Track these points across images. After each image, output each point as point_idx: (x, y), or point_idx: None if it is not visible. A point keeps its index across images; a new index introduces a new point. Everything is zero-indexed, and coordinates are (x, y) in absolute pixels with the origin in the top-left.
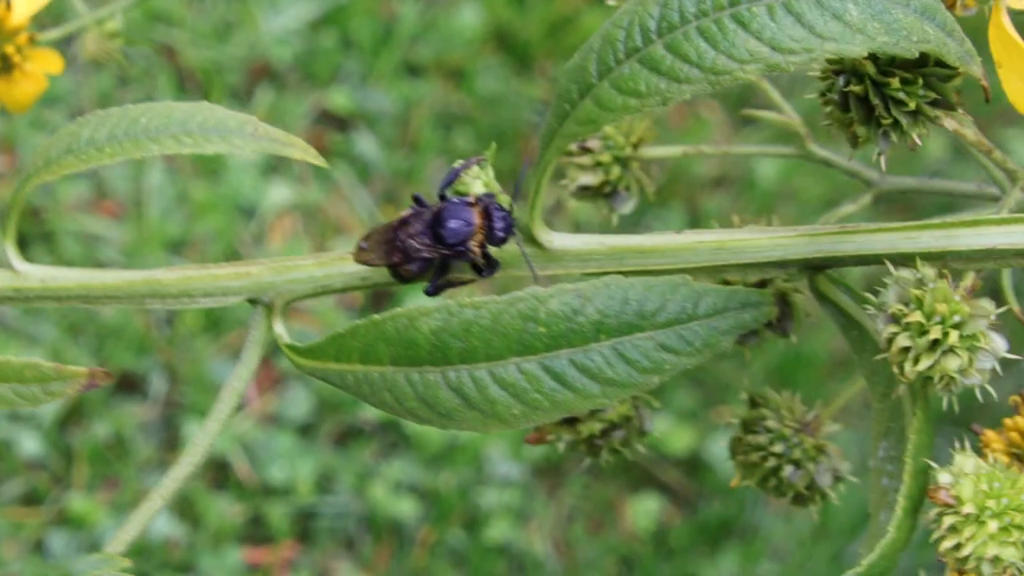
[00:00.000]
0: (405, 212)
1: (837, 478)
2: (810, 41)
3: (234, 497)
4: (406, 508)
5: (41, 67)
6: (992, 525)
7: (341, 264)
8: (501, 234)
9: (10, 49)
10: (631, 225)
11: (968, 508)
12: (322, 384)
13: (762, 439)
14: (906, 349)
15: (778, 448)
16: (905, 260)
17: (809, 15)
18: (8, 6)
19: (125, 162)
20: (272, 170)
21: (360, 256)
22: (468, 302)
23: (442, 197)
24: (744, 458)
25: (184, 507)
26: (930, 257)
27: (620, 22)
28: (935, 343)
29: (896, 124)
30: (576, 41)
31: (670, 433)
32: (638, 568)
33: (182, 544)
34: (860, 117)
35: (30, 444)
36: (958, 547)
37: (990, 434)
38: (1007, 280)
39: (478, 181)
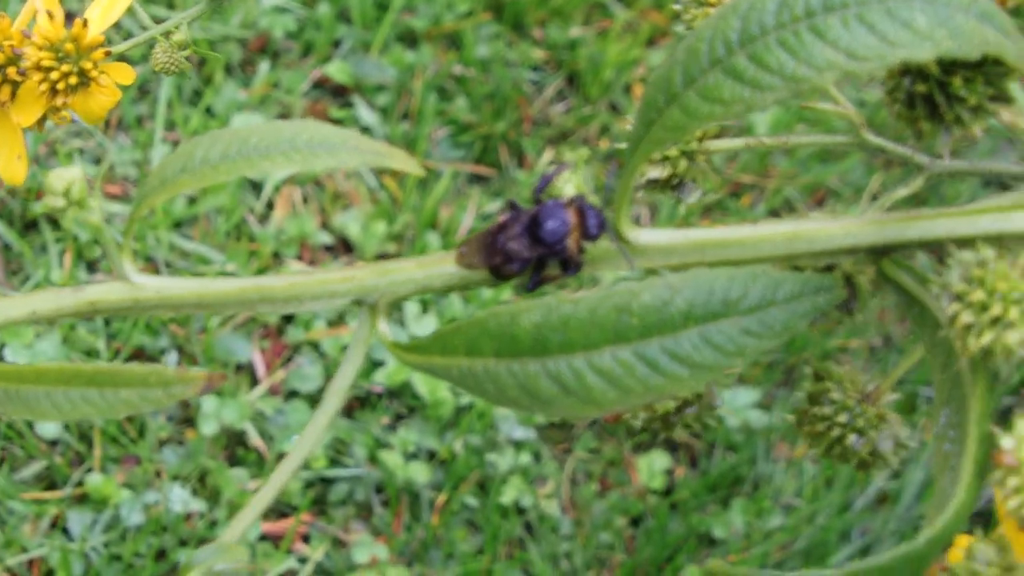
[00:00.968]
0: (503, 217)
1: (898, 444)
2: (882, 48)
3: (250, 471)
4: (420, 474)
5: (115, 79)
6: None
7: (441, 266)
8: (595, 231)
9: (87, 65)
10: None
11: None
12: (331, 358)
13: (827, 410)
14: (969, 325)
15: (842, 418)
16: (965, 243)
17: (881, 25)
18: (84, 24)
19: (130, 142)
20: None
21: (462, 260)
22: (566, 298)
23: (537, 200)
24: (810, 428)
25: (201, 483)
26: (988, 239)
27: (703, 35)
28: (996, 319)
29: (959, 119)
30: (568, 4)
31: None
32: (648, 526)
33: (201, 519)
34: (925, 113)
35: (49, 425)
36: (1022, 506)
37: None
38: None
39: (569, 184)
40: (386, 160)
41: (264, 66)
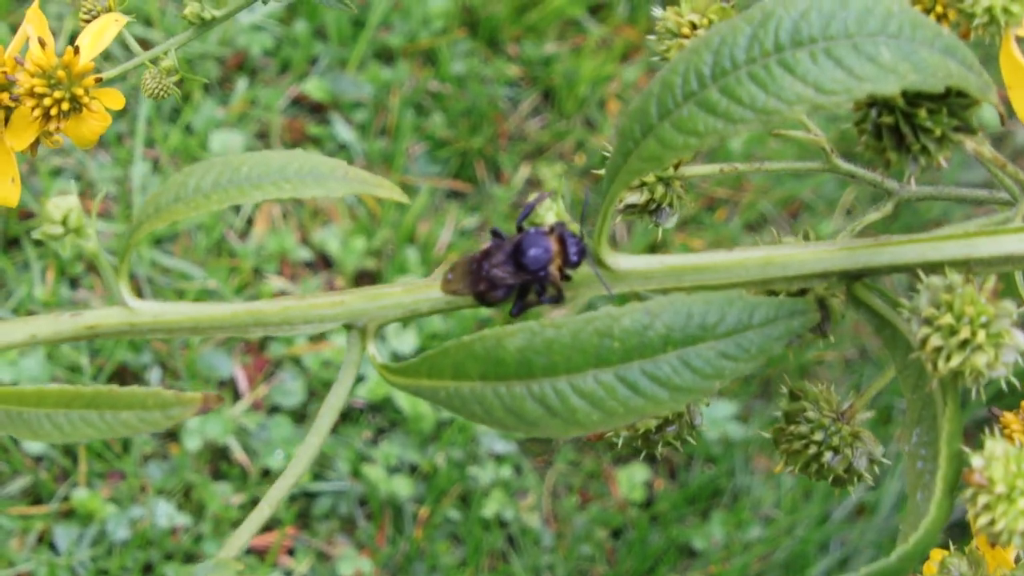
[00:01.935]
0: (487, 245)
1: (872, 461)
2: (849, 83)
3: (234, 485)
4: (402, 488)
5: (105, 104)
6: (1022, 502)
7: (427, 291)
8: (575, 258)
9: (79, 91)
10: None
11: (1000, 488)
12: (312, 373)
13: (804, 429)
14: (939, 348)
15: (818, 436)
16: (933, 267)
17: (848, 59)
18: (76, 51)
19: (111, 160)
20: None
21: (448, 287)
22: (549, 322)
23: (520, 228)
24: (787, 447)
25: (186, 498)
26: (955, 264)
27: (677, 69)
28: (965, 342)
29: (924, 149)
30: (542, 21)
31: None
32: (629, 538)
33: (186, 533)
34: (892, 144)
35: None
36: (992, 523)
37: (1009, 416)
38: (1020, 280)
39: (551, 212)
40: (373, 189)
41: (242, 84)
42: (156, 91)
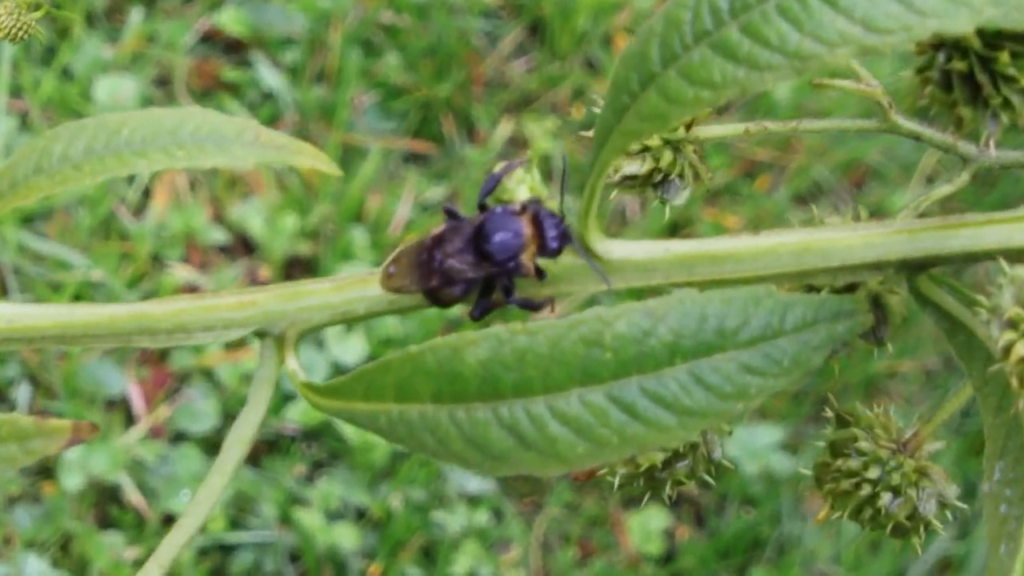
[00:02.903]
0: (439, 228)
1: (943, 504)
2: (908, 18)
3: (127, 535)
4: (346, 538)
5: None
6: None
7: (362, 287)
8: (555, 244)
9: None
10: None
11: None
12: (229, 390)
13: (854, 463)
14: None
15: (873, 473)
16: (1020, 255)
17: None
18: None
19: None
20: None
21: (390, 283)
22: (521, 327)
23: (482, 207)
24: (833, 486)
25: (63, 552)
26: None
27: (685, 1)
28: None
29: (1007, 103)
30: None
31: None
32: None
33: None
34: (964, 97)
35: None
36: None
37: None
38: None
39: (523, 186)
40: (290, 158)
41: (136, 15)
42: (12, 30)
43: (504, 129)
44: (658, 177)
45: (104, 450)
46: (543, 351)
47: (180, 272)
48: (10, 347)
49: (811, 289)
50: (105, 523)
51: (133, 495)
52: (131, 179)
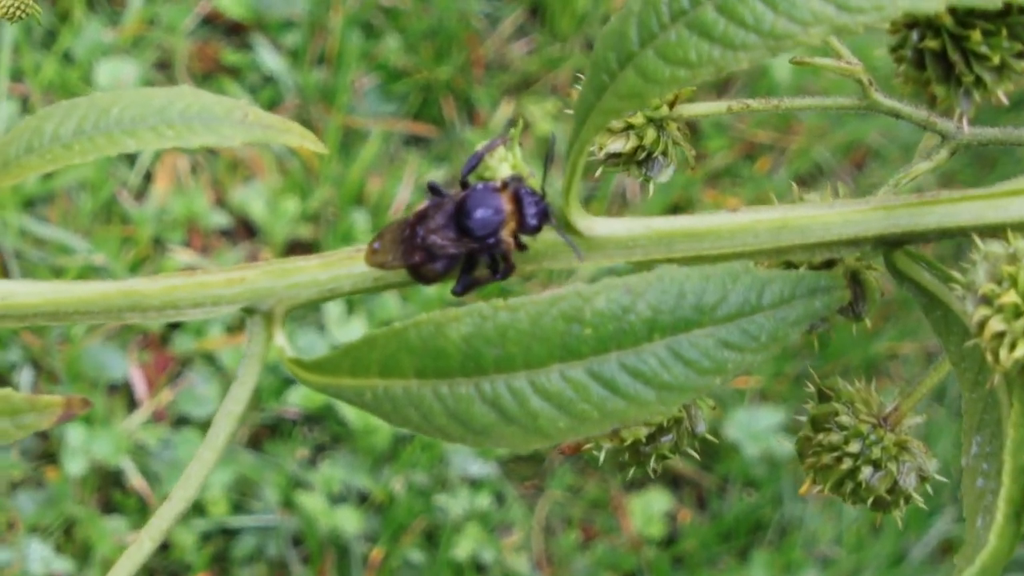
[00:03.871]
0: (422, 204)
1: (923, 478)
2: None
3: (130, 520)
4: (349, 522)
5: None
6: None
7: (350, 264)
8: (534, 221)
9: None
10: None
11: None
12: (231, 374)
13: (835, 438)
14: (1000, 334)
15: (854, 447)
16: (994, 231)
17: None
18: None
19: None
20: None
21: (374, 259)
22: (503, 304)
23: (464, 184)
24: (815, 460)
25: (67, 537)
26: (1021, 227)
27: None
28: None
29: (979, 81)
30: None
31: None
32: None
33: None
34: (938, 75)
35: None
36: None
37: None
38: None
39: (505, 164)
40: (279, 137)
41: None
42: (11, 10)
43: (504, 111)
44: (642, 155)
45: (107, 435)
46: (524, 327)
47: (182, 256)
48: (3, 324)
49: (790, 265)
50: (108, 508)
51: (136, 479)
52: (132, 163)
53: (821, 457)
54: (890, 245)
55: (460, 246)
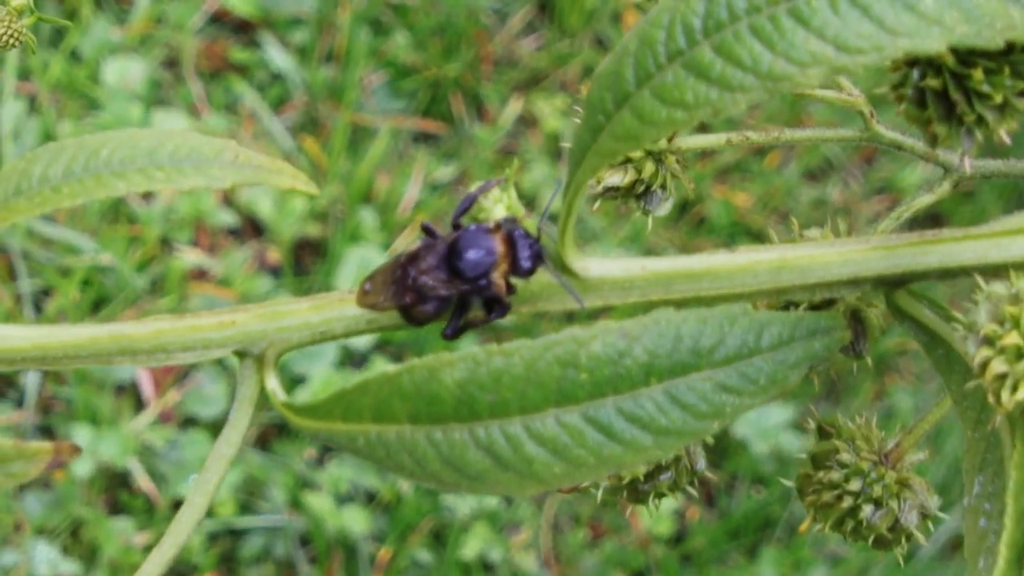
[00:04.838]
0: (414, 245)
1: (924, 515)
2: (880, 38)
3: (137, 521)
4: (357, 522)
5: None
6: None
7: (341, 307)
8: (527, 264)
9: None
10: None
11: None
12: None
13: (835, 475)
14: (1003, 376)
15: (855, 485)
16: (996, 271)
17: (877, 7)
18: None
19: None
20: (160, 102)
21: (365, 300)
22: (497, 349)
23: (456, 226)
24: (815, 498)
25: (74, 538)
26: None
27: (659, 20)
28: None
29: (980, 120)
30: None
31: None
32: None
33: None
34: (939, 114)
35: None
36: None
37: None
38: None
39: (499, 205)
40: (270, 178)
41: None
42: (4, 38)
43: (513, 108)
44: (640, 188)
45: (113, 435)
46: (519, 372)
47: (189, 255)
48: None
49: (789, 305)
50: (115, 509)
51: (143, 480)
52: None
53: (822, 495)
54: (891, 285)
55: (451, 287)
